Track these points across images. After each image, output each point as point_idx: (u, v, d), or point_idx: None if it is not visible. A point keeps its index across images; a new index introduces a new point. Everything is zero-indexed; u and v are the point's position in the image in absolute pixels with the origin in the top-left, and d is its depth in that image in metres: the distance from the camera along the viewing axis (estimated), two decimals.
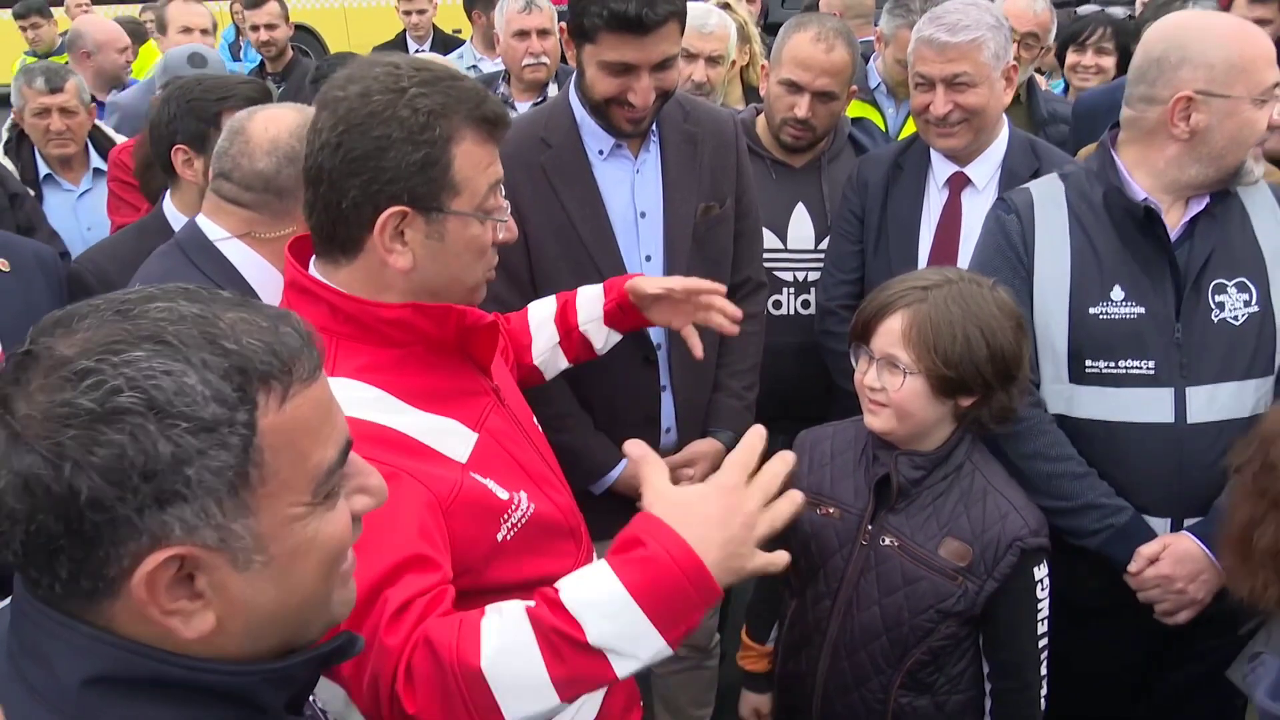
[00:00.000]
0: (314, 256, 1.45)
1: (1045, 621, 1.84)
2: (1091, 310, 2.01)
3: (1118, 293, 2.00)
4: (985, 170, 2.54)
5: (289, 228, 1.97)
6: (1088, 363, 2.01)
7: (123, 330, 0.79)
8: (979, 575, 1.78)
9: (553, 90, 4.11)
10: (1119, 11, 4.78)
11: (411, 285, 1.39)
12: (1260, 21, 4.10)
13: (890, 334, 1.79)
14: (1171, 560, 1.95)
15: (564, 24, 2.20)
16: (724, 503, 1.22)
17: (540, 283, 2.24)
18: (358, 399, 1.32)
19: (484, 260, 1.45)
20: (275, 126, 1.95)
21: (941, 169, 2.56)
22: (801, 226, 2.83)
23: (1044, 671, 1.86)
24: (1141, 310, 1.98)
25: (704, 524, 1.20)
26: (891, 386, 1.78)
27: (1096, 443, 2.03)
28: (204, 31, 4.67)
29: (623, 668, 1.19)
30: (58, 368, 0.77)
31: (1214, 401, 1.96)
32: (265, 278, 1.96)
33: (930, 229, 2.53)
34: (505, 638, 1.19)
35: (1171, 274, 1.99)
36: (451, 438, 1.40)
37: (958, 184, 2.55)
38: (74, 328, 0.80)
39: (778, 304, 2.82)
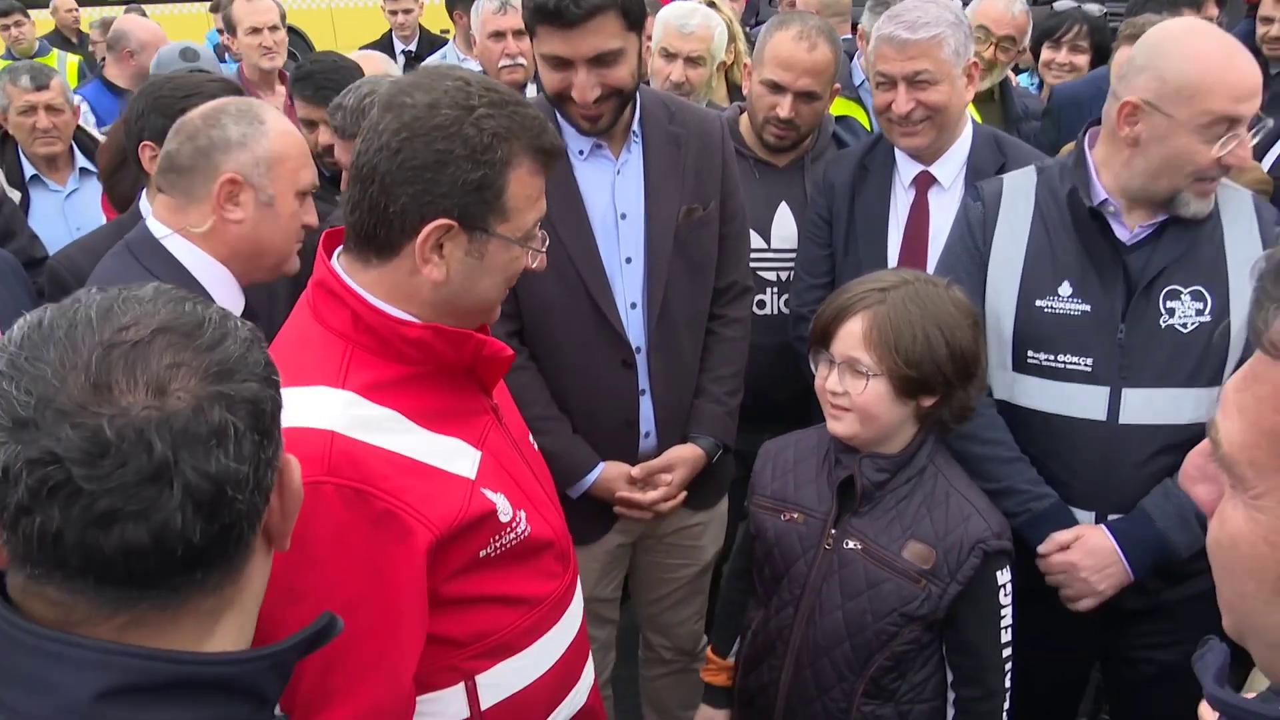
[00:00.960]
0: (341, 250, 1.44)
1: (1009, 630, 1.83)
2: (1038, 303, 2.04)
3: (1065, 288, 2.03)
4: (950, 168, 2.53)
5: (208, 218, 1.87)
6: (1029, 353, 2.05)
7: (175, 309, 0.83)
8: (942, 578, 1.78)
9: (531, 91, 4.09)
10: (1094, 8, 4.78)
11: (438, 297, 1.39)
12: None
13: (851, 337, 1.78)
14: (1082, 551, 1.99)
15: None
16: None
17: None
18: (365, 418, 1.32)
19: (509, 282, 1.46)
20: (193, 111, 1.94)
21: (907, 168, 2.55)
22: (785, 226, 2.81)
23: (1008, 684, 1.84)
24: (1087, 308, 2.01)
25: None
26: (854, 390, 1.77)
27: (1033, 431, 2.06)
28: (273, 28, 4.57)
29: None
30: (191, 334, 0.81)
31: (1150, 405, 1.98)
32: (214, 275, 1.91)
33: (899, 229, 2.53)
34: None
35: (1124, 276, 2.00)
36: (458, 457, 1.40)
37: (924, 183, 2.54)
38: (132, 314, 0.81)
39: (761, 304, 2.80)
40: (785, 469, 1.96)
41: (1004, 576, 1.82)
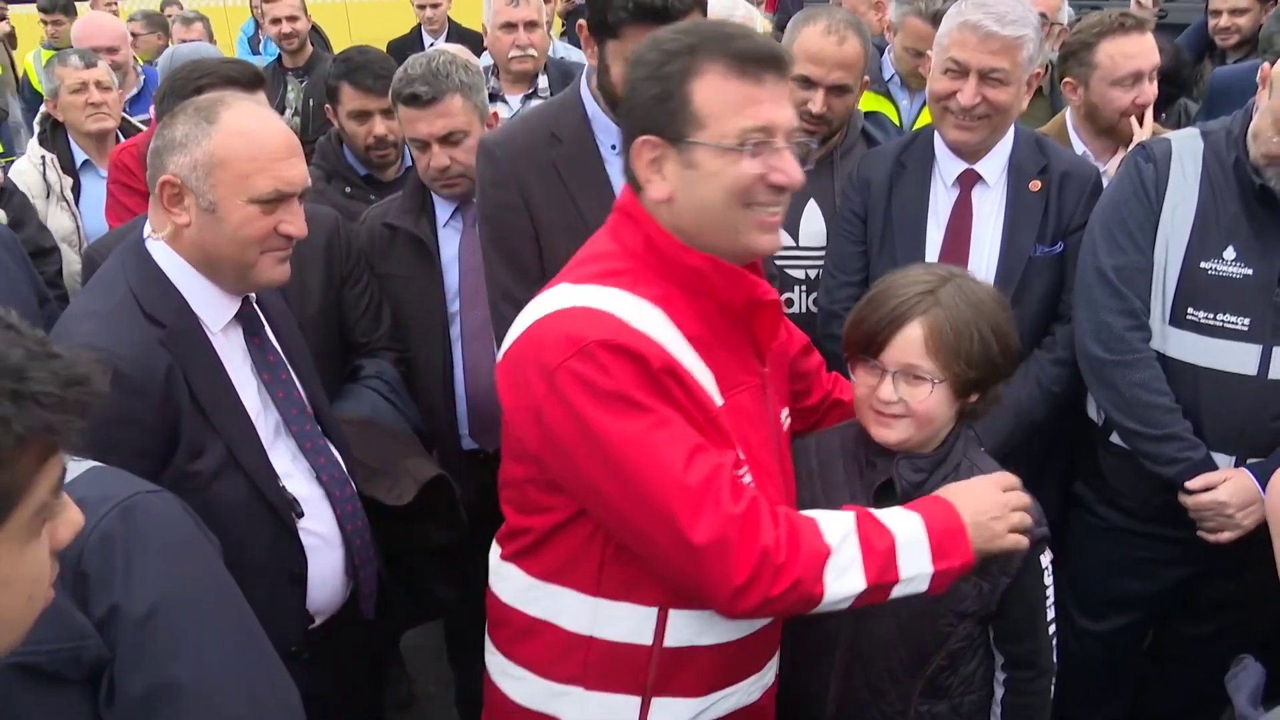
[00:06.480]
0: None
1: (1053, 608, 1.82)
2: (1203, 264, 2.20)
3: (1230, 253, 2.19)
4: (995, 167, 2.50)
5: (167, 221, 1.77)
6: (1189, 311, 2.23)
7: None
8: (992, 573, 1.75)
9: (542, 82, 4.10)
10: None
11: (674, 219, 1.51)
12: (1237, 11, 4.24)
13: (909, 344, 1.72)
14: (1229, 490, 2.21)
15: (582, 20, 2.18)
16: (987, 493, 1.62)
17: (550, 277, 2.23)
18: (647, 317, 1.47)
19: (748, 208, 1.49)
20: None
21: (949, 166, 2.51)
22: (813, 223, 2.79)
23: (1054, 659, 1.84)
24: (1249, 272, 2.17)
25: (967, 500, 1.59)
26: (915, 398, 1.72)
27: (1181, 382, 2.24)
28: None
29: (904, 570, 1.51)
30: None
31: None
32: (187, 278, 1.79)
33: (938, 226, 2.49)
34: (838, 533, 1.49)
35: None
36: (709, 385, 1.51)
37: (969, 181, 2.51)
38: None
39: (790, 302, 2.79)
40: (809, 475, 1.89)
41: (1045, 559, 1.80)
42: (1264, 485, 2.17)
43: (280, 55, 5.58)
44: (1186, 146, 2.28)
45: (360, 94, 3.08)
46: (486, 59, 4.37)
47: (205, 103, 1.79)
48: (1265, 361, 2.17)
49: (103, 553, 1.07)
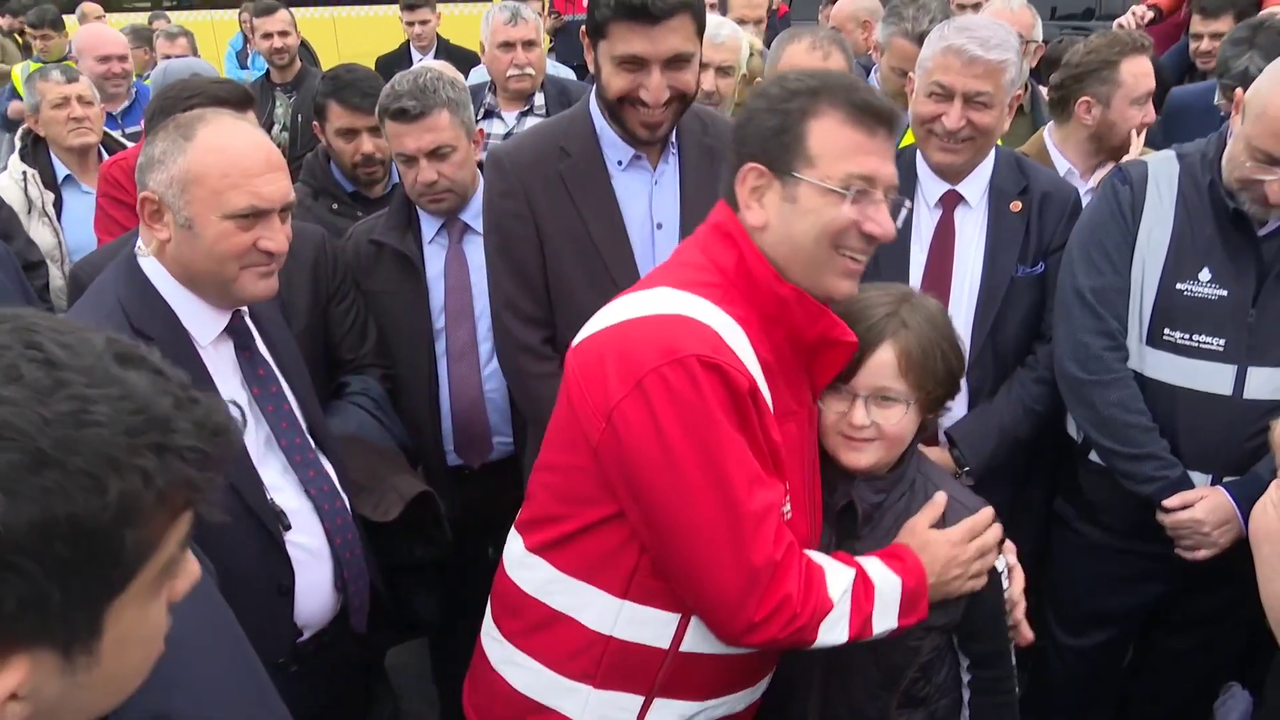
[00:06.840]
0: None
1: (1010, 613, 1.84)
2: (1179, 286, 2.25)
3: (1205, 274, 2.24)
4: (977, 188, 2.52)
5: (153, 237, 1.79)
6: (1165, 331, 2.27)
7: None
8: None
9: (539, 99, 4.14)
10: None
11: (762, 245, 1.55)
12: (1217, 36, 4.35)
13: (881, 367, 1.72)
14: (1206, 508, 2.24)
15: (584, 27, 2.22)
16: (954, 554, 1.67)
17: (555, 290, 2.27)
18: (736, 336, 1.51)
19: (836, 250, 1.54)
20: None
21: (932, 187, 2.53)
22: None
23: (1014, 662, 1.86)
24: (1224, 293, 2.20)
25: (933, 561, 1.66)
26: (888, 420, 1.72)
27: (1158, 401, 2.30)
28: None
29: (876, 628, 1.61)
30: None
31: (1272, 381, 2.20)
32: (176, 293, 1.81)
33: (921, 248, 2.51)
34: (838, 590, 1.57)
35: (1256, 264, 2.20)
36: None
37: (951, 202, 2.53)
38: None
39: None
40: None
41: (1001, 564, 1.80)
42: (1239, 503, 2.19)
43: (268, 70, 5.59)
44: (1162, 169, 2.32)
45: (348, 112, 3.08)
46: (477, 76, 4.39)
47: (185, 119, 1.79)
48: (1240, 382, 2.21)
49: None
